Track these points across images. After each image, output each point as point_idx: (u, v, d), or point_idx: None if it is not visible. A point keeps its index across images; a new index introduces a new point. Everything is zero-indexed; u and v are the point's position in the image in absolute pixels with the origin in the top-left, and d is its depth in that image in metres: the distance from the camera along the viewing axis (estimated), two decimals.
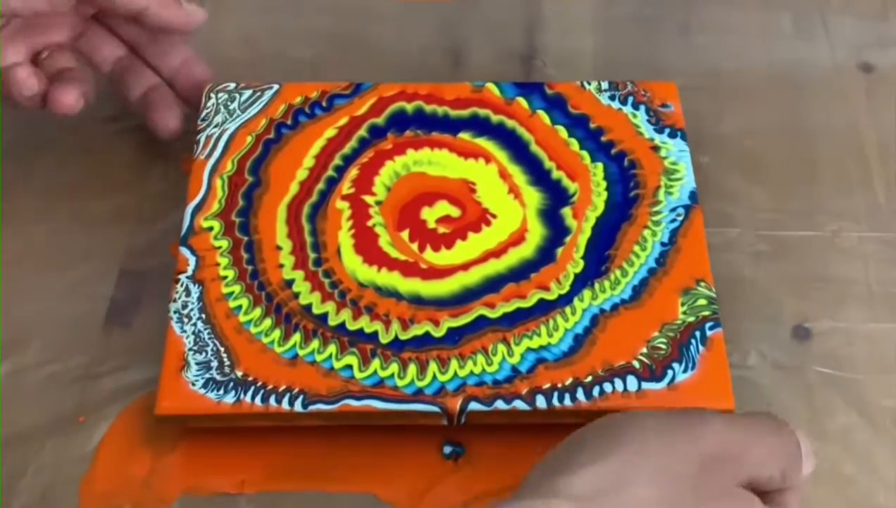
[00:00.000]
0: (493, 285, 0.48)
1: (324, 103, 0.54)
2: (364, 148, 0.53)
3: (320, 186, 0.51)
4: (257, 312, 0.47)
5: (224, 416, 0.44)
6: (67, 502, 0.45)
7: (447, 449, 0.46)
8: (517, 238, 0.50)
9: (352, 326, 0.46)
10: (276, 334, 0.46)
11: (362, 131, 0.53)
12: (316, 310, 0.47)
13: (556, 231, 0.50)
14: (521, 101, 0.54)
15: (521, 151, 0.53)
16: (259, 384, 0.45)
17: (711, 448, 0.36)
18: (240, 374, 0.45)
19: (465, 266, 0.49)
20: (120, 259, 0.52)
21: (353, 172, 0.52)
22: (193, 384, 0.44)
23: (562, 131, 0.53)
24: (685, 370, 0.45)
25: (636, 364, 0.45)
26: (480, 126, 0.54)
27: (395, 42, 0.61)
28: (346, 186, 0.51)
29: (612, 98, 0.54)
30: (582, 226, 0.50)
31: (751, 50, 0.60)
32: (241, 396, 0.44)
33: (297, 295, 0.47)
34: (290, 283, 0.48)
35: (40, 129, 0.56)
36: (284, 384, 0.45)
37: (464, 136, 0.53)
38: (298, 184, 0.51)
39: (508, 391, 0.45)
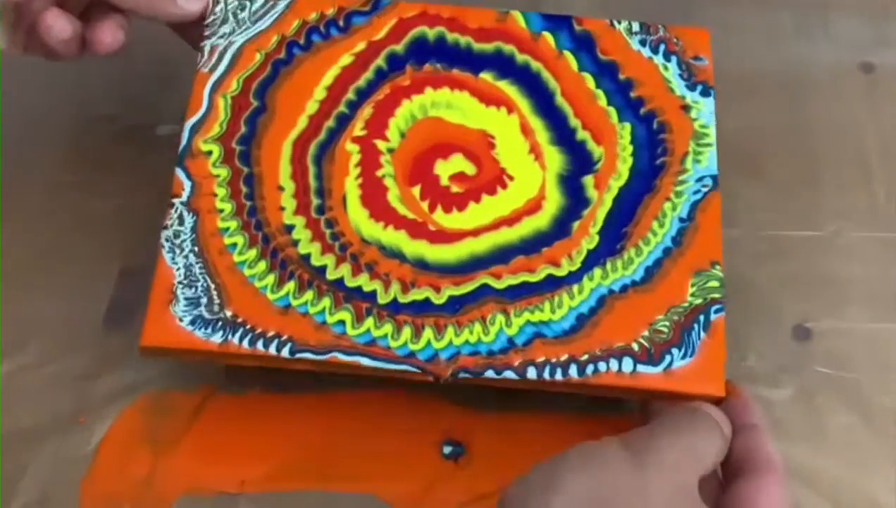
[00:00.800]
0: (502, 255, 0.46)
1: (340, 23, 0.51)
2: (380, 81, 0.50)
3: (330, 123, 0.48)
4: (252, 253, 0.45)
5: (210, 353, 0.43)
6: (67, 502, 0.45)
7: (447, 449, 0.46)
8: (533, 206, 0.47)
9: (350, 282, 0.45)
10: (271, 279, 0.45)
11: (380, 61, 0.50)
12: (315, 261, 0.45)
13: (576, 201, 0.47)
14: (548, 37, 0.51)
15: (545, 101, 0.50)
16: (248, 326, 0.43)
17: (673, 473, 0.38)
18: (229, 314, 0.44)
19: (476, 232, 0.46)
20: (120, 259, 0.52)
21: (367, 110, 0.49)
22: (181, 320, 0.43)
23: (589, 80, 0.50)
24: (683, 357, 0.44)
25: (635, 347, 0.44)
26: (504, 66, 0.50)
27: None
28: (358, 127, 0.48)
29: (642, 43, 0.51)
30: (603, 197, 0.47)
31: (751, 50, 0.60)
32: (230, 337, 0.43)
33: (295, 242, 0.46)
34: (289, 228, 0.46)
35: (40, 129, 0.56)
36: (274, 331, 0.43)
37: (486, 76, 0.50)
38: (308, 118, 0.48)
39: (501, 361, 0.44)
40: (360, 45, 0.50)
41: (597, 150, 0.48)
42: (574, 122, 0.49)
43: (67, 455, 0.46)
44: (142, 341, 0.43)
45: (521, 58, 0.51)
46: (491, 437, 0.46)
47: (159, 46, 0.54)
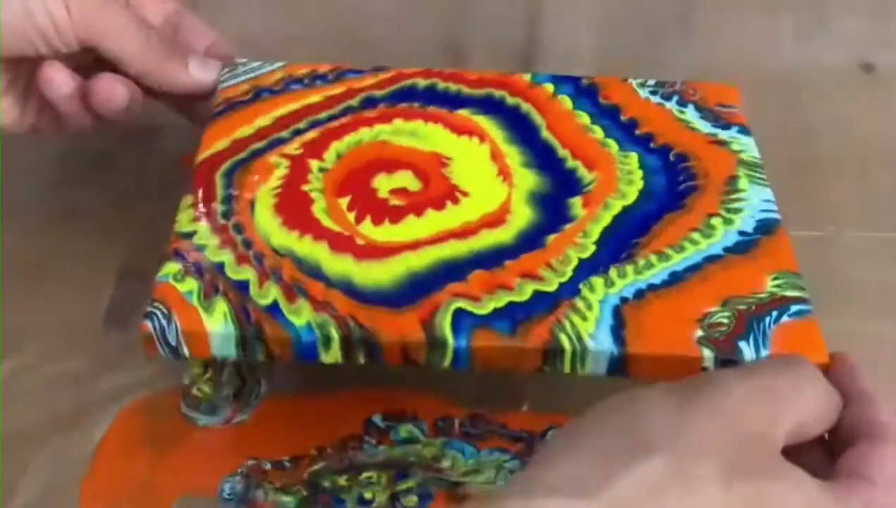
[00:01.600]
0: (452, 270, 0.40)
1: (329, 76, 0.49)
2: (343, 116, 0.47)
3: (258, 144, 0.45)
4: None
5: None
6: (67, 502, 0.45)
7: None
8: (492, 220, 0.42)
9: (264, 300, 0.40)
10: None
11: (353, 101, 0.48)
12: (231, 273, 0.41)
13: (552, 218, 0.43)
14: (548, 86, 0.49)
15: (526, 132, 0.46)
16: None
17: (733, 415, 0.31)
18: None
19: (415, 245, 0.41)
20: (120, 259, 0.52)
21: (311, 134, 0.46)
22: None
23: (583, 117, 0.47)
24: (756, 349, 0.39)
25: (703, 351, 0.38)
26: (489, 106, 0.48)
27: (395, 39, 0.61)
28: (293, 146, 0.45)
29: (653, 93, 0.49)
30: (597, 214, 0.43)
31: (751, 50, 0.60)
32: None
33: (200, 247, 0.42)
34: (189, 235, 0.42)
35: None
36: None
37: (463, 112, 0.47)
38: (231, 141, 0.45)
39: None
40: (338, 89, 0.48)
41: (588, 175, 0.45)
42: (563, 152, 0.46)
43: (67, 455, 0.46)
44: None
45: (511, 101, 0.48)
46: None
47: None
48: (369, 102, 0.48)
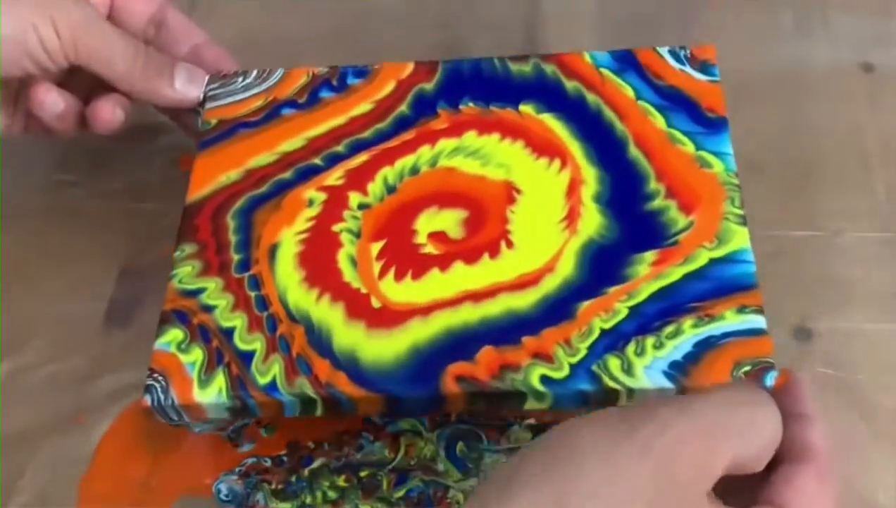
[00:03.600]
0: (459, 345, 0.36)
1: (364, 74, 0.44)
2: (393, 131, 0.41)
3: (284, 175, 0.40)
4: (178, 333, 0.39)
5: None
6: (67, 502, 0.45)
7: None
8: (525, 280, 0.37)
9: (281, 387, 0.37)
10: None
11: (403, 107, 0.41)
12: (240, 342, 0.38)
13: (598, 277, 0.37)
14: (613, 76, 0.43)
15: (610, 148, 0.40)
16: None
17: (664, 455, 0.29)
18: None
19: (427, 310, 0.37)
20: (120, 259, 0.52)
21: (357, 160, 0.40)
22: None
23: (656, 119, 0.41)
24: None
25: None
26: (555, 98, 0.42)
27: (395, 41, 0.61)
28: (334, 176, 0.40)
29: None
30: (665, 272, 0.37)
31: (751, 49, 0.60)
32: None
33: (208, 308, 0.38)
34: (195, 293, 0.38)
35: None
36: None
37: (528, 108, 0.41)
38: (243, 172, 0.41)
39: None
40: (381, 90, 0.43)
41: (682, 220, 0.39)
42: (655, 185, 0.40)
43: (67, 455, 0.46)
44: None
45: (586, 95, 0.42)
46: None
47: None
48: (423, 105, 0.42)
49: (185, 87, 0.48)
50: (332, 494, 0.42)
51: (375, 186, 0.40)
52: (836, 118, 0.57)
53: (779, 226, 0.53)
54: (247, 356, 0.38)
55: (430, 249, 0.38)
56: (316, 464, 0.43)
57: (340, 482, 0.43)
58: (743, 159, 0.55)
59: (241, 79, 0.47)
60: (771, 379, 0.36)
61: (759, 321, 0.37)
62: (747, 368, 0.36)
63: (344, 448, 0.44)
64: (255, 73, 0.47)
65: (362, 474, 0.43)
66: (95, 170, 0.55)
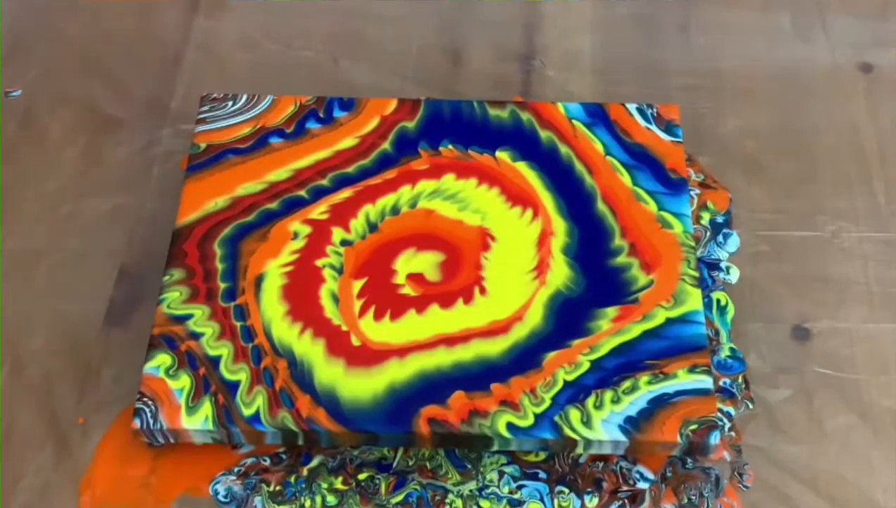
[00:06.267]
0: (432, 388, 0.38)
1: (350, 108, 0.46)
2: (377, 169, 0.43)
3: (270, 205, 0.42)
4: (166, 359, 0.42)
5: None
6: (67, 502, 0.45)
7: None
8: (496, 327, 0.39)
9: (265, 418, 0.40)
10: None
11: (386, 145, 0.44)
12: (226, 372, 0.40)
13: (564, 330, 0.40)
14: (581, 127, 0.45)
15: (578, 203, 0.42)
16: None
17: None
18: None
19: (403, 351, 0.39)
20: (120, 259, 0.52)
21: (340, 195, 0.42)
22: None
23: (623, 176, 0.43)
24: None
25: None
26: (530, 147, 0.44)
27: (395, 42, 0.61)
28: (318, 210, 0.42)
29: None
30: (624, 328, 0.40)
31: (751, 50, 0.60)
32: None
33: (195, 335, 0.40)
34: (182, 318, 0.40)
35: (40, 128, 0.56)
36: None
37: (505, 155, 0.44)
38: (230, 199, 0.42)
39: None
40: (367, 125, 0.45)
41: (642, 278, 0.41)
42: (619, 242, 0.42)
43: (67, 456, 0.46)
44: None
45: (559, 147, 0.45)
46: None
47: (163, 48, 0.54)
48: (405, 144, 0.44)
49: None
50: (330, 498, 0.42)
51: (358, 224, 0.42)
52: (835, 118, 0.57)
53: (778, 226, 0.53)
54: (232, 387, 0.40)
55: (408, 290, 0.41)
56: (314, 462, 0.43)
57: (338, 484, 0.43)
58: (743, 159, 0.56)
59: (230, 104, 0.48)
60: (715, 438, 0.39)
61: (707, 382, 0.40)
62: (694, 427, 0.39)
63: (340, 447, 0.44)
64: (244, 98, 0.48)
65: (360, 477, 0.43)
66: (95, 170, 0.55)
